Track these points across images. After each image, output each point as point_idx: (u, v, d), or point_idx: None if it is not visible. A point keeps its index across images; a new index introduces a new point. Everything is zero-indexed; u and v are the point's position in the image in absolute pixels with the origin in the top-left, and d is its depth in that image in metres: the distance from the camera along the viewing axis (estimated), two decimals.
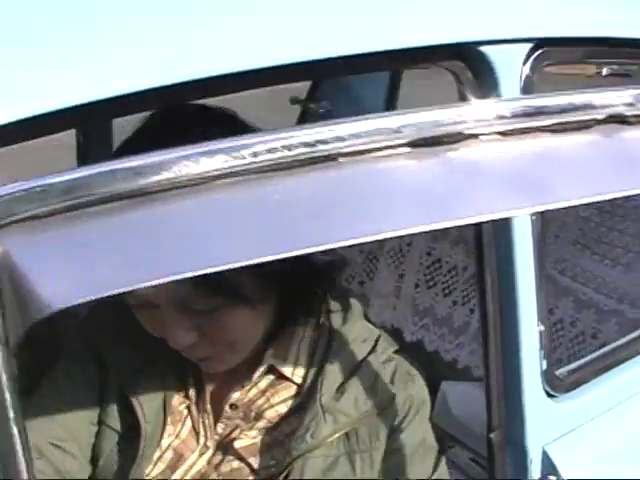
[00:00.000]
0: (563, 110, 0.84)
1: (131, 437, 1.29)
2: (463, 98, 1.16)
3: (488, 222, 1.10)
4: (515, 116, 0.84)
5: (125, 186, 0.62)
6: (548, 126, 0.82)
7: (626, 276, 1.88)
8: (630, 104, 0.83)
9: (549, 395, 1.31)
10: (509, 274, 1.22)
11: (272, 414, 1.30)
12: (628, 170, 0.79)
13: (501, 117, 0.83)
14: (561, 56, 1.23)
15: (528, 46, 1.18)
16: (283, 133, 0.69)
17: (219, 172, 0.66)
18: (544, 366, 1.29)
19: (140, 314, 1.21)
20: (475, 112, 0.84)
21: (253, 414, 1.31)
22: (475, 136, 0.78)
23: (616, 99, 0.85)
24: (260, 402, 1.31)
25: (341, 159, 0.68)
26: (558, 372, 1.34)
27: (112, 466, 1.31)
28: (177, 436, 1.30)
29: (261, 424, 1.30)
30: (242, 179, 0.64)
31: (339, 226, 0.63)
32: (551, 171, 0.78)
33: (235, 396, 1.30)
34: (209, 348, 1.22)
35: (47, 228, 0.59)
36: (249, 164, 0.67)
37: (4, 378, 0.63)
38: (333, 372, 1.28)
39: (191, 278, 0.61)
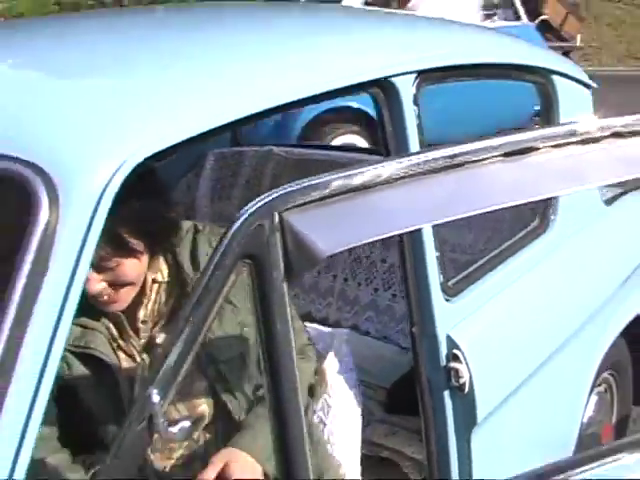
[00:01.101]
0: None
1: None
2: (380, 113, 1.85)
3: None
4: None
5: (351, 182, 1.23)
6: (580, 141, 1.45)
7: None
8: (624, 125, 1.48)
9: (446, 299, 2.01)
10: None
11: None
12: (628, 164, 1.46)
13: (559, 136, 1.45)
14: (434, 78, 1.94)
15: (413, 75, 1.88)
16: (433, 152, 1.31)
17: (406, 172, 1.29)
18: (441, 279, 1.99)
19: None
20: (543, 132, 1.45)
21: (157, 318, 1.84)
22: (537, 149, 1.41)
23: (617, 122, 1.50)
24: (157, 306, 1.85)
25: (466, 165, 1.30)
26: (449, 282, 2.04)
27: None
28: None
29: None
30: (417, 178, 1.26)
31: (470, 203, 1.28)
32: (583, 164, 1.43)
33: (141, 314, 1.84)
34: (113, 292, 1.76)
35: (316, 209, 1.20)
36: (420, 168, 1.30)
37: (290, 311, 1.20)
38: None
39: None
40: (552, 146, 1.40)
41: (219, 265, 1.16)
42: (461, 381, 1.98)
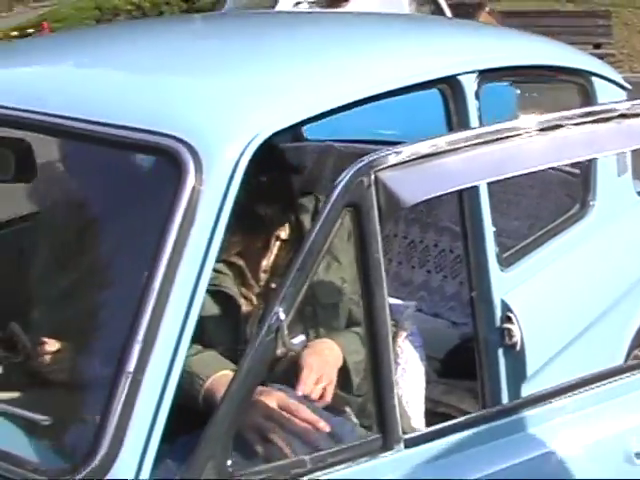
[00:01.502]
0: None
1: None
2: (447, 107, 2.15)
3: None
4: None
5: None
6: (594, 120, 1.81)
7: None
8: (628, 108, 1.82)
9: (501, 269, 2.30)
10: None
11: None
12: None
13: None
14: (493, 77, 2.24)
15: (476, 74, 2.18)
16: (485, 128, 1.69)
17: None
18: (496, 251, 2.28)
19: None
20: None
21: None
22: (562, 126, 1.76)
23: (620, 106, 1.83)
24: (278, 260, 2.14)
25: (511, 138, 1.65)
26: (504, 255, 2.33)
27: None
28: None
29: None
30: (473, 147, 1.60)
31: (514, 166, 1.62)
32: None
33: (263, 265, 2.14)
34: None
35: (401, 169, 1.52)
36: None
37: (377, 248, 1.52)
38: None
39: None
40: (573, 124, 1.80)
41: (331, 210, 1.48)
42: (513, 340, 2.28)
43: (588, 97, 2.85)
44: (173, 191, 1.54)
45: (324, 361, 2.02)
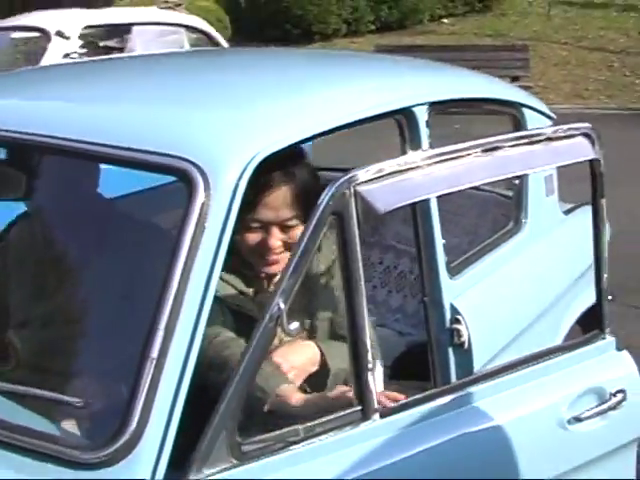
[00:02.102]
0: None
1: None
2: (402, 134, 2.45)
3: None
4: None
5: None
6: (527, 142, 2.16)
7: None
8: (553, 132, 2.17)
9: (450, 277, 2.61)
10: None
11: None
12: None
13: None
14: (440, 109, 2.55)
15: (427, 106, 2.49)
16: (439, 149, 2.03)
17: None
18: (446, 261, 2.59)
19: (253, 235, 2.25)
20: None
21: None
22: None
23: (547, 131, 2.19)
24: None
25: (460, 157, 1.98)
26: (452, 264, 2.64)
27: None
28: None
29: None
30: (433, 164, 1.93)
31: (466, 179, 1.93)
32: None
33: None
34: (281, 253, 2.30)
35: (376, 184, 1.81)
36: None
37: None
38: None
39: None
40: (510, 145, 2.18)
41: (319, 217, 1.81)
42: (462, 339, 2.58)
43: (520, 125, 3.19)
44: (186, 205, 1.82)
45: (293, 351, 2.28)
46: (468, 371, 2.62)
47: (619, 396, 2.40)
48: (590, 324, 3.70)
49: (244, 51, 3.57)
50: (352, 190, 1.84)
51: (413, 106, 2.43)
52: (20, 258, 2.34)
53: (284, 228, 2.26)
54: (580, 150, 2.33)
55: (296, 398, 2.08)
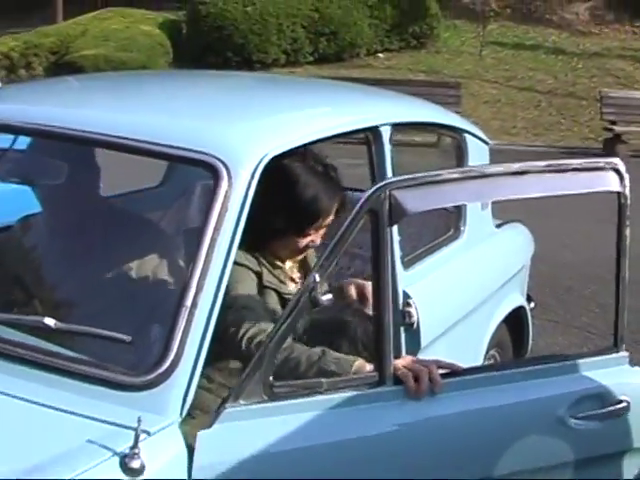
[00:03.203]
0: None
1: None
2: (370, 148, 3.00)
3: None
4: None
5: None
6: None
7: None
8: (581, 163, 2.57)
9: (404, 269, 3.15)
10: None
11: None
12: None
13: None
14: (399, 129, 3.11)
15: (390, 126, 3.04)
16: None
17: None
18: (401, 255, 3.13)
19: (316, 234, 2.84)
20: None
21: None
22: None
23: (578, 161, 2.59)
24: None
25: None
26: (405, 259, 3.19)
27: None
28: None
29: None
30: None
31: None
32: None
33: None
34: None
35: (407, 190, 2.30)
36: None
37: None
38: None
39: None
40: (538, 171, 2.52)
41: (357, 212, 2.26)
42: (412, 320, 3.12)
43: (461, 149, 3.78)
44: (212, 192, 2.34)
45: None
46: (416, 347, 3.17)
47: (622, 405, 2.61)
48: (514, 324, 4.32)
49: (233, 74, 4.15)
50: (387, 193, 2.28)
51: (380, 125, 2.99)
52: (71, 226, 2.85)
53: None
54: (607, 182, 2.59)
55: (368, 369, 2.44)
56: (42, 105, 2.90)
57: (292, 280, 2.93)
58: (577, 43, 20.85)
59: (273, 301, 2.78)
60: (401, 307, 3.13)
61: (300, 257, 2.95)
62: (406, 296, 3.14)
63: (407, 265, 3.21)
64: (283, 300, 2.78)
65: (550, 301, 6.76)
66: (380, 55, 21.02)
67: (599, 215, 5.66)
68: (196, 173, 2.69)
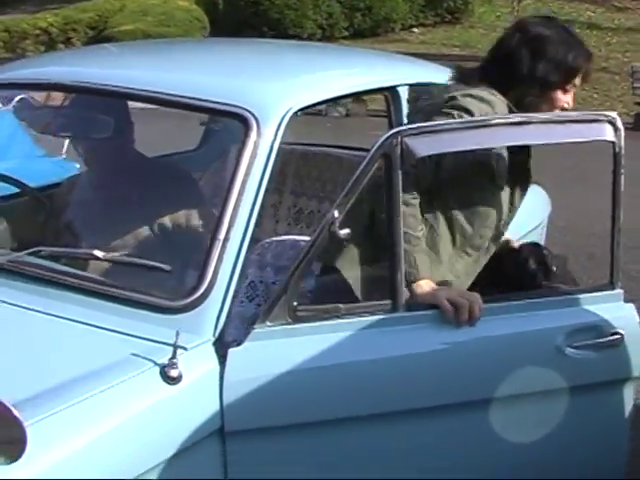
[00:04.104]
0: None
1: None
2: (389, 107, 3.28)
3: None
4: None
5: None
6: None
7: None
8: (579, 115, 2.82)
9: None
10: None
11: None
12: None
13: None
14: (415, 89, 3.40)
15: (407, 86, 3.32)
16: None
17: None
18: None
19: (562, 97, 2.95)
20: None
21: None
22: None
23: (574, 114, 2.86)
24: None
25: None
26: None
27: None
28: None
29: None
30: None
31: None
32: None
33: None
34: None
35: (417, 136, 2.56)
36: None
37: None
38: None
39: None
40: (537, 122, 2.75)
41: (372, 156, 2.53)
42: None
43: None
44: (242, 141, 2.64)
45: None
46: None
47: (616, 337, 2.81)
48: None
49: (263, 41, 4.49)
50: (399, 139, 2.52)
51: (397, 85, 3.27)
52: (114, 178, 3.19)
53: None
54: (603, 132, 2.77)
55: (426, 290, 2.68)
56: (89, 67, 3.22)
57: None
58: (612, 18, 20.92)
59: None
60: None
61: None
62: None
63: None
64: None
65: (572, 267, 6.98)
66: (415, 30, 21.23)
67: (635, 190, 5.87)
68: (230, 136, 3.01)
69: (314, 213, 4.30)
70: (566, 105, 3.01)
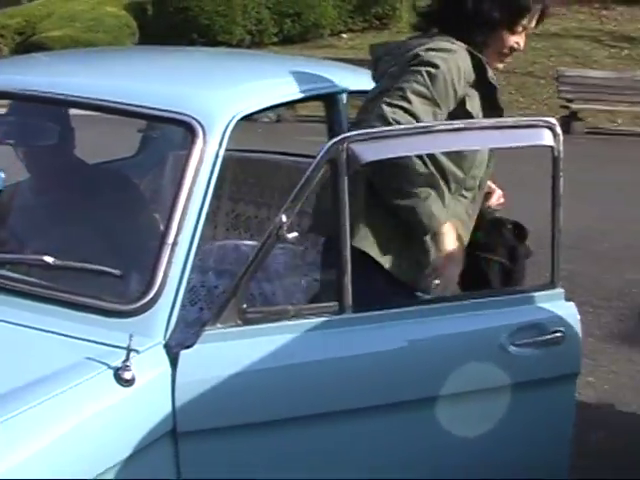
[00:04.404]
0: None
1: None
2: (329, 111, 3.36)
3: None
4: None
5: None
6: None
7: None
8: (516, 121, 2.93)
9: None
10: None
11: None
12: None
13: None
14: (353, 95, 3.48)
15: (346, 93, 3.41)
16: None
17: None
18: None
19: (520, 36, 3.04)
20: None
21: None
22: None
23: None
24: None
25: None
26: None
27: None
28: None
29: None
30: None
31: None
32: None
33: None
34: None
35: (362, 143, 2.62)
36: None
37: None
38: None
39: None
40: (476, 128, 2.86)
41: (318, 162, 2.58)
42: None
43: None
44: (189, 148, 2.69)
45: None
46: None
47: (557, 335, 2.92)
48: None
49: (195, 49, 4.55)
50: (345, 145, 2.58)
51: (337, 93, 3.35)
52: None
53: None
54: (542, 137, 2.85)
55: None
56: (33, 75, 3.24)
57: None
58: None
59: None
60: None
61: (501, 65, 3.18)
62: None
63: None
64: None
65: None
66: (344, 35, 21.37)
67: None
68: (169, 143, 3.07)
69: (252, 218, 4.39)
70: (515, 46, 3.11)
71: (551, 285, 2.97)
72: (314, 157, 2.62)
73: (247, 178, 4.35)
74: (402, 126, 2.80)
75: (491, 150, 3.13)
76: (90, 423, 2.31)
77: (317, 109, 12.65)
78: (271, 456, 2.60)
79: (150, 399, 2.43)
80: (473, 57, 3.00)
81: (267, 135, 12.57)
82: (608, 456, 3.76)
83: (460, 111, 2.97)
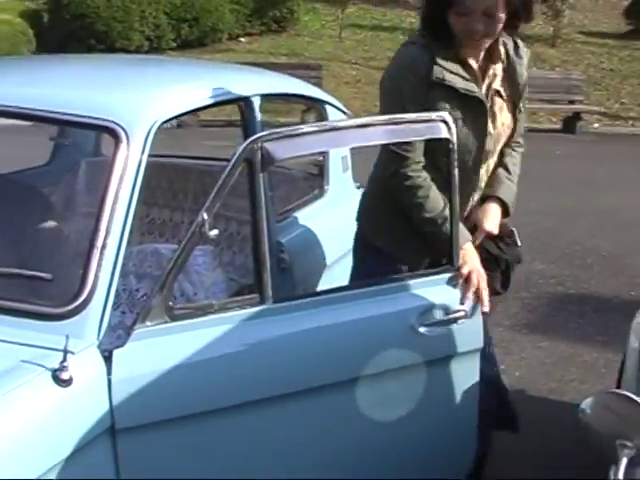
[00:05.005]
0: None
1: None
2: (244, 115, 3.48)
3: None
4: None
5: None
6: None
7: None
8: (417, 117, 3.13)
9: (277, 222, 3.64)
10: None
11: None
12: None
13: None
14: (269, 99, 3.60)
15: (259, 97, 3.53)
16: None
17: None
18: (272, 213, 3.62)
19: (459, 21, 3.13)
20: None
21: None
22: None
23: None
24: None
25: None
26: (277, 215, 3.67)
27: None
28: None
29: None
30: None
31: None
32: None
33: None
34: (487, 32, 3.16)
35: (276, 141, 2.76)
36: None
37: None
38: None
39: None
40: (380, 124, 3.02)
41: (235, 161, 2.69)
42: (285, 265, 3.61)
43: (323, 118, 4.28)
44: (114, 153, 2.78)
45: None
46: (291, 288, 3.66)
47: (461, 314, 3.12)
48: None
49: (102, 56, 4.62)
50: (260, 145, 2.71)
51: (251, 96, 3.47)
52: None
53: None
54: (438, 131, 3.07)
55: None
56: None
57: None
58: None
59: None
60: (276, 254, 3.60)
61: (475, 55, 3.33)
62: (279, 245, 3.62)
63: (280, 219, 3.70)
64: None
65: None
66: (242, 39, 21.44)
67: None
68: (81, 150, 3.16)
69: (166, 222, 4.48)
70: (470, 28, 3.19)
71: (452, 267, 3.16)
72: (223, 160, 2.73)
73: (160, 183, 4.43)
74: (311, 124, 3.02)
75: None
76: (30, 424, 2.38)
77: (218, 113, 12.90)
78: (206, 446, 2.71)
79: (88, 398, 2.51)
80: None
81: (170, 140, 12.60)
82: (521, 438, 3.94)
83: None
